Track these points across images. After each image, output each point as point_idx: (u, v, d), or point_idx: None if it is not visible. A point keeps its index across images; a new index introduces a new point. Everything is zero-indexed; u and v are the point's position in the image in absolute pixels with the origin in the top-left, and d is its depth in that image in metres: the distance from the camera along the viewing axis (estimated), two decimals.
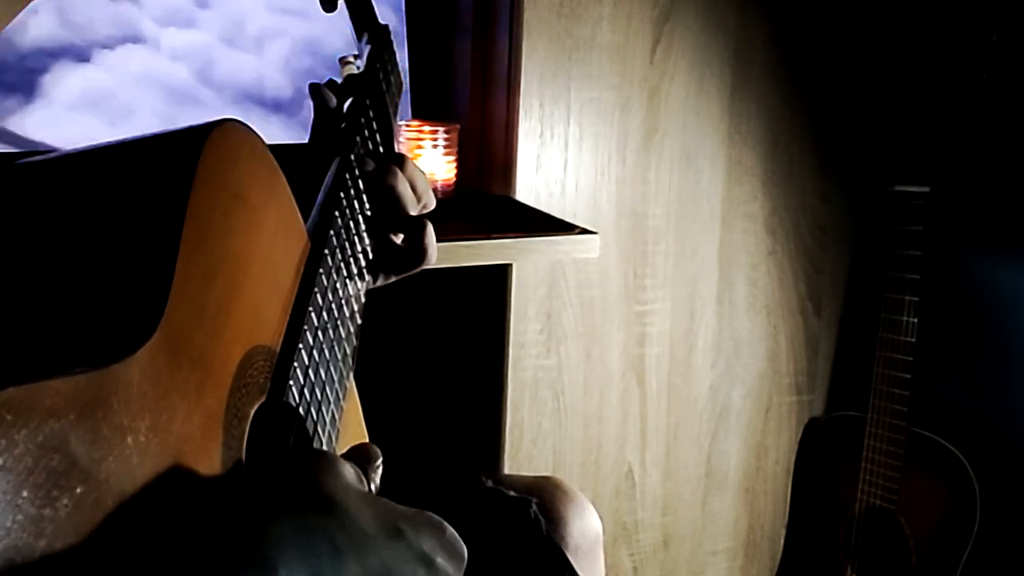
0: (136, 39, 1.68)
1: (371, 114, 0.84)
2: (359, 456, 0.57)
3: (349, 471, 0.51)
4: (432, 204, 0.83)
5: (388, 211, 0.79)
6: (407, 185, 0.80)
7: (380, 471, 0.57)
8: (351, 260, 0.73)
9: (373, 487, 0.56)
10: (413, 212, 0.80)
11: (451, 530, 0.52)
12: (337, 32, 1.83)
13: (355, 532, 0.46)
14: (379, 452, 0.58)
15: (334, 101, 0.81)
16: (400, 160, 0.82)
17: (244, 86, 1.77)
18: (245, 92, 1.77)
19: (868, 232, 1.87)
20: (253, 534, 0.43)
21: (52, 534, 0.39)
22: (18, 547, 0.37)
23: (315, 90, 0.82)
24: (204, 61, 1.74)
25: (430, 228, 0.80)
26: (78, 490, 0.40)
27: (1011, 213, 1.75)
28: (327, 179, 0.74)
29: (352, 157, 0.77)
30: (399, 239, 0.81)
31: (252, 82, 1.78)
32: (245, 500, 0.48)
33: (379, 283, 0.82)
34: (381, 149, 0.85)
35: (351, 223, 0.74)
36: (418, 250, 0.80)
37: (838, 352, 1.92)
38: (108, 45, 1.66)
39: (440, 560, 0.50)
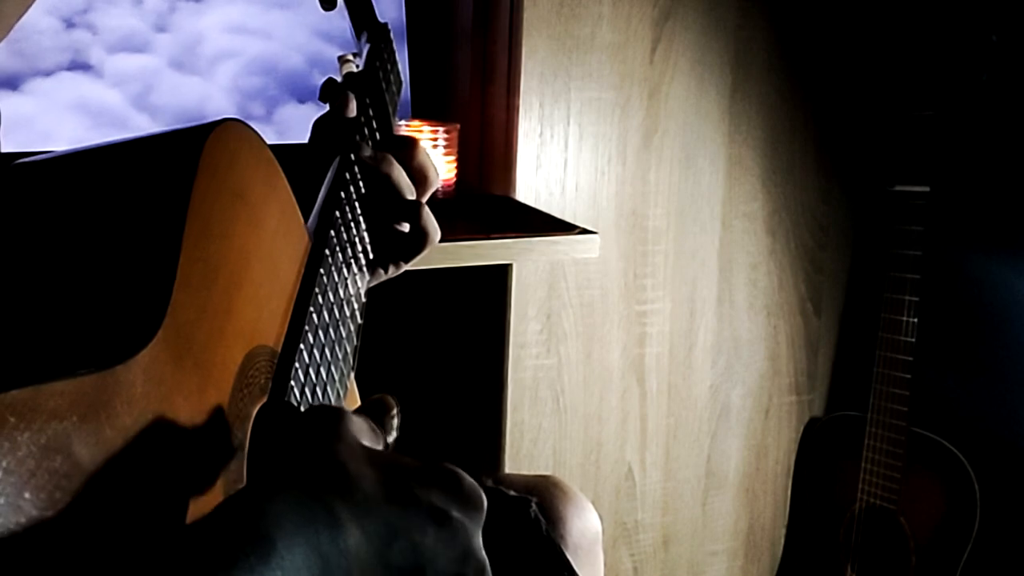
0: (81, 66, 1.63)
1: (371, 113, 0.84)
2: (375, 408, 0.55)
3: (357, 427, 0.49)
4: (436, 184, 0.84)
5: (387, 199, 0.79)
6: (402, 172, 0.80)
7: (396, 419, 0.55)
8: (352, 259, 0.73)
9: (391, 438, 0.54)
10: (411, 197, 0.80)
11: (468, 480, 0.49)
12: (297, 51, 1.79)
13: (356, 497, 0.45)
14: (394, 402, 0.56)
15: (354, 112, 0.80)
16: (406, 144, 0.82)
17: (183, 109, 1.71)
18: (183, 115, 1.71)
19: (868, 232, 1.87)
20: (250, 512, 0.42)
21: (55, 536, 0.39)
22: (21, 549, 0.37)
23: (334, 91, 0.81)
24: (143, 86, 1.68)
25: (427, 209, 0.81)
26: (81, 492, 0.40)
27: (1011, 213, 1.75)
28: (328, 178, 0.74)
29: (352, 156, 0.77)
30: (403, 227, 0.82)
31: (193, 105, 1.73)
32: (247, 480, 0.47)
33: (389, 274, 0.82)
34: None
35: (352, 222, 0.74)
36: (418, 232, 0.80)
37: (838, 352, 1.92)
38: (48, 73, 1.61)
39: (456, 514, 0.48)
